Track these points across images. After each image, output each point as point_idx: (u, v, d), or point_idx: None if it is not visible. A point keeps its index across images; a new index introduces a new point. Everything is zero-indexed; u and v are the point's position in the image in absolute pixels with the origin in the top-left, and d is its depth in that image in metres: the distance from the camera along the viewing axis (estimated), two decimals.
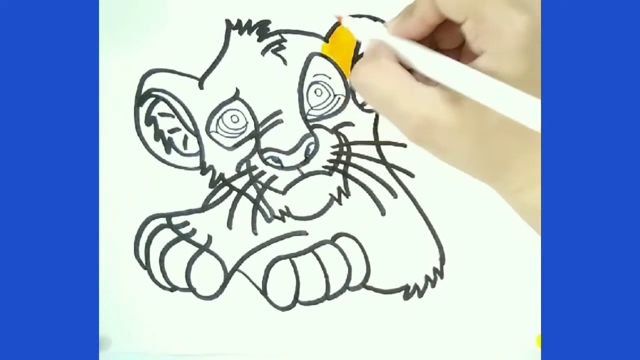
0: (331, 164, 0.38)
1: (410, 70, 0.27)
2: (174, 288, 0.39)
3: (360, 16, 0.37)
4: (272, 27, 0.38)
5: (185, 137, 0.38)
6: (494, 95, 0.23)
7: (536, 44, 0.24)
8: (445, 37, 0.28)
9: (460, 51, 0.29)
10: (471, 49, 0.26)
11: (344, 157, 0.38)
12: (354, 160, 0.39)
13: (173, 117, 0.38)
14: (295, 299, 0.40)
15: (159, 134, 0.38)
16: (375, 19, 0.37)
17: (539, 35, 0.24)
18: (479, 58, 0.25)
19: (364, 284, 0.40)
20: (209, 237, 0.39)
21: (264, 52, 0.38)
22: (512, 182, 0.27)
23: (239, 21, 0.38)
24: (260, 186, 0.39)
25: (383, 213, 0.39)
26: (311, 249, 0.39)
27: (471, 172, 0.28)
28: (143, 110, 0.38)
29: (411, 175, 0.39)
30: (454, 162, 0.27)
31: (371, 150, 0.38)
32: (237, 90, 0.38)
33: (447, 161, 0.27)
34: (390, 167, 0.39)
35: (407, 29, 0.28)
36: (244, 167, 0.38)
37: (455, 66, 0.25)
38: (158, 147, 0.38)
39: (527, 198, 0.27)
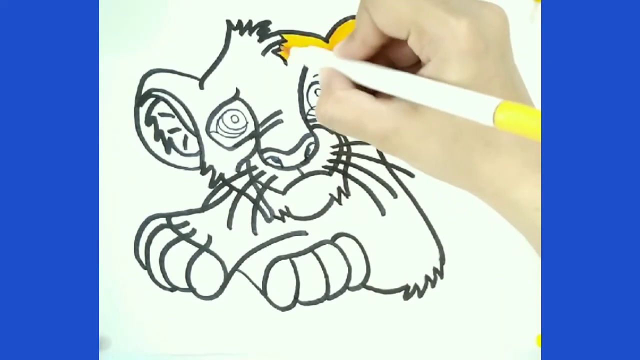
0: (331, 164, 0.38)
1: (371, 90, 0.27)
2: (174, 288, 0.39)
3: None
4: (273, 28, 0.38)
5: (185, 137, 0.38)
6: (441, 98, 0.23)
7: (482, 45, 0.24)
8: (400, 56, 0.29)
9: (418, 67, 0.29)
10: (420, 59, 0.26)
11: (344, 157, 0.38)
12: (354, 160, 0.39)
13: (173, 117, 0.38)
14: (295, 299, 0.40)
15: (159, 134, 0.38)
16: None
17: (487, 37, 0.24)
18: (425, 66, 0.25)
19: (364, 284, 0.40)
20: (209, 237, 0.39)
21: (264, 52, 0.38)
22: (486, 188, 0.27)
23: (240, 21, 0.38)
24: (260, 186, 0.39)
25: (383, 213, 0.39)
26: (311, 249, 0.39)
27: (445, 179, 0.28)
28: (143, 110, 0.38)
29: (411, 175, 0.39)
30: (426, 169, 0.28)
31: (371, 150, 0.38)
32: (238, 91, 0.38)
33: (419, 168, 0.28)
34: (390, 167, 0.39)
35: (352, 52, 0.28)
36: (244, 167, 0.38)
37: (403, 77, 0.26)
38: (158, 147, 0.38)
39: (504, 200, 0.27)
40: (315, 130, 0.38)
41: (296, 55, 0.33)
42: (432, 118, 0.25)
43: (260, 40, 0.38)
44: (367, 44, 0.27)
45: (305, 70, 0.38)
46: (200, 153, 0.38)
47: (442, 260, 0.40)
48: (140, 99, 0.38)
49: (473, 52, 0.24)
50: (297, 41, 0.38)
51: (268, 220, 0.39)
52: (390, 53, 0.29)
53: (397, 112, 0.26)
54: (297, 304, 0.40)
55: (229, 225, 0.39)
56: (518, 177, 0.26)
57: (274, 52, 0.38)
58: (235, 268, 0.39)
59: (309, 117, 0.38)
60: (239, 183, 0.39)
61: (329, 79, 0.28)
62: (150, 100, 0.38)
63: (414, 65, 0.29)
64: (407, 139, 0.26)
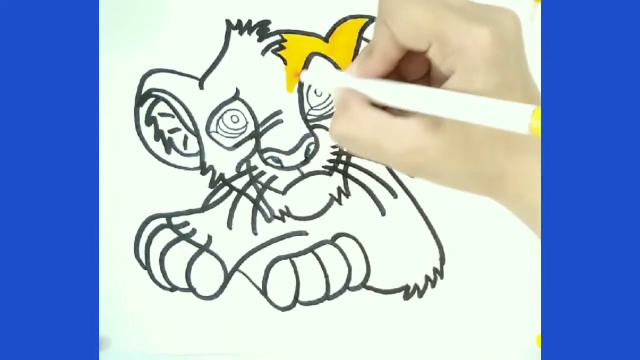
0: (331, 164, 0.38)
1: (385, 107, 0.27)
2: (174, 288, 0.39)
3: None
4: (272, 27, 0.38)
5: (185, 137, 0.38)
6: (473, 110, 0.23)
7: (504, 52, 0.24)
8: (410, 69, 0.28)
9: (428, 78, 0.28)
10: (441, 72, 0.25)
11: (344, 157, 0.38)
12: (354, 160, 0.39)
13: (173, 117, 0.38)
14: (295, 299, 0.40)
15: (159, 134, 0.38)
16: (374, 18, 0.37)
17: (508, 43, 0.24)
18: (451, 78, 0.25)
19: (364, 284, 0.40)
20: (209, 237, 0.39)
21: (264, 52, 0.38)
22: (509, 190, 0.27)
23: (239, 21, 0.38)
24: (260, 186, 0.39)
25: (383, 213, 0.39)
26: (311, 249, 0.39)
27: (468, 189, 0.28)
28: (143, 110, 0.38)
29: (411, 175, 0.39)
30: (450, 183, 0.27)
31: None
32: (237, 90, 0.38)
33: (442, 184, 0.27)
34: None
35: (371, 69, 0.27)
36: (244, 167, 0.38)
37: (429, 92, 0.25)
38: (158, 147, 0.38)
39: (526, 203, 0.27)
40: (315, 131, 0.38)
41: (307, 78, 0.32)
42: (456, 132, 0.25)
43: (259, 40, 0.38)
44: (387, 58, 0.27)
45: (305, 70, 0.38)
46: (200, 153, 0.38)
47: (442, 260, 0.40)
48: (140, 99, 0.38)
49: (497, 59, 0.24)
50: (296, 41, 0.38)
51: (268, 220, 0.39)
52: (400, 67, 0.28)
53: (418, 129, 0.25)
54: (297, 304, 0.40)
55: (229, 225, 0.39)
56: (539, 179, 0.26)
57: (274, 51, 0.38)
58: (235, 268, 0.39)
59: (309, 117, 0.38)
60: (239, 183, 0.39)
61: (345, 97, 0.27)
62: (150, 100, 0.38)
63: (423, 78, 0.28)
64: (431, 156, 0.25)
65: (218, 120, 0.38)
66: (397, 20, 0.25)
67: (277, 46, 0.38)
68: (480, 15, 0.25)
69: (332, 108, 0.38)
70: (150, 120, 0.38)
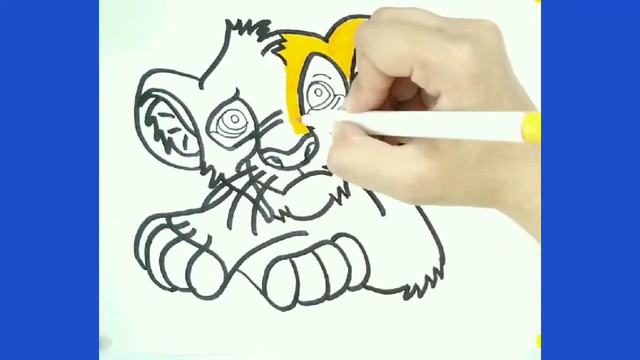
0: None
1: (382, 138, 0.27)
2: (174, 288, 0.39)
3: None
4: (272, 27, 0.38)
5: (185, 137, 0.38)
6: (465, 127, 0.23)
7: (487, 65, 0.24)
8: (401, 91, 0.28)
9: (420, 97, 0.28)
10: (429, 94, 0.25)
11: None
12: None
13: (173, 117, 0.38)
14: (295, 299, 0.40)
15: (159, 134, 0.38)
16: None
17: (489, 56, 0.24)
18: (439, 100, 0.25)
19: (364, 284, 0.40)
20: (209, 237, 0.39)
21: (264, 52, 0.38)
22: (510, 200, 0.27)
23: (239, 21, 0.38)
24: (260, 186, 0.39)
25: (383, 213, 0.39)
26: (311, 249, 0.39)
27: (470, 204, 0.28)
28: (143, 110, 0.38)
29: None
30: (452, 203, 0.27)
31: None
32: (237, 90, 0.38)
33: (446, 205, 0.27)
34: None
35: (364, 102, 0.27)
36: (244, 167, 0.38)
37: (421, 116, 0.25)
38: (158, 147, 0.38)
39: (523, 209, 0.27)
40: (316, 131, 0.38)
41: (308, 121, 0.32)
42: (453, 154, 0.25)
43: (259, 40, 0.38)
44: (375, 89, 0.27)
45: (305, 70, 0.38)
46: (200, 153, 0.38)
47: (442, 260, 0.40)
48: (140, 99, 0.38)
49: (481, 74, 0.24)
50: (296, 41, 0.38)
51: (268, 220, 0.39)
52: (392, 90, 0.28)
53: (417, 155, 0.25)
54: (297, 304, 0.40)
55: (229, 225, 0.39)
56: (536, 185, 0.26)
57: (274, 51, 0.38)
58: (235, 268, 0.39)
59: None
60: (239, 183, 0.39)
61: (342, 128, 0.27)
62: (150, 100, 0.38)
63: (416, 97, 0.28)
64: (431, 181, 0.25)
65: (218, 120, 0.38)
66: (374, 51, 0.25)
67: (277, 46, 0.38)
68: (458, 31, 0.25)
69: (332, 108, 0.38)
70: (150, 120, 0.38)
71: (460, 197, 0.27)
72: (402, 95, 0.28)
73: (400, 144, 0.27)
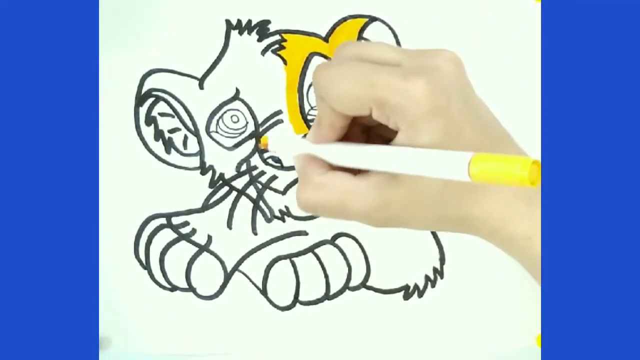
0: None
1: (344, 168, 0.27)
2: (174, 288, 0.39)
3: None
4: (272, 27, 0.38)
5: (185, 137, 0.38)
6: (418, 164, 0.23)
7: (444, 98, 0.24)
8: (367, 120, 0.28)
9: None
10: (391, 128, 0.25)
11: None
12: None
13: (173, 117, 0.38)
14: (295, 299, 0.40)
15: (159, 134, 0.38)
16: (374, 18, 0.37)
17: (447, 88, 0.24)
18: (397, 136, 0.25)
19: (364, 284, 0.40)
20: (209, 237, 0.39)
21: (264, 52, 0.38)
22: (481, 230, 0.27)
23: (239, 21, 0.38)
24: (260, 186, 0.39)
25: None
26: (311, 249, 0.39)
27: (440, 229, 0.28)
28: (143, 110, 0.38)
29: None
30: (422, 228, 0.28)
31: None
32: (237, 90, 0.38)
33: (415, 229, 0.28)
34: None
35: (324, 137, 0.28)
36: (244, 167, 0.38)
37: (378, 151, 0.25)
38: (158, 147, 0.38)
39: (504, 235, 0.27)
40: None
41: (272, 144, 0.32)
42: (414, 184, 0.25)
43: (259, 40, 0.38)
44: (335, 127, 0.27)
45: (305, 70, 0.38)
46: (200, 153, 0.38)
47: (442, 260, 0.40)
48: (140, 99, 0.38)
49: (437, 109, 0.24)
50: (296, 41, 0.38)
51: (268, 220, 0.39)
52: (359, 119, 0.28)
53: (378, 186, 0.26)
54: (297, 304, 0.40)
55: (229, 225, 0.39)
56: (509, 213, 0.26)
57: (274, 51, 0.38)
58: (235, 268, 0.39)
59: (309, 117, 0.38)
60: (239, 183, 0.39)
61: (304, 166, 0.28)
62: (150, 100, 0.38)
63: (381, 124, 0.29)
64: (394, 209, 0.26)
65: (218, 120, 0.38)
66: (332, 95, 0.25)
67: (277, 46, 0.38)
68: (414, 66, 0.25)
69: None
70: (150, 120, 0.38)
71: (427, 224, 0.27)
72: (370, 121, 0.28)
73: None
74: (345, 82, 0.25)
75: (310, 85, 0.38)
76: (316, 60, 0.38)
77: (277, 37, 0.38)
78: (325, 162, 0.28)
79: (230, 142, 0.38)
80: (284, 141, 0.31)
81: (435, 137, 0.24)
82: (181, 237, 0.39)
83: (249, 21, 0.37)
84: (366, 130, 0.29)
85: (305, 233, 0.39)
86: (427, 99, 0.24)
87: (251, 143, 0.38)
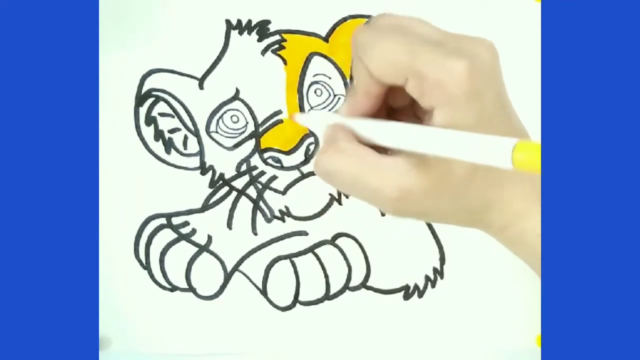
0: None
1: (374, 147, 0.26)
2: (174, 288, 0.39)
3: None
4: (272, 27, 0.38)
5: (185, 137, 0.38)
6: (456, 147, 0.22)
7: (482, 85, 0.24)
8: (395, 98, 0.28)
9: (414, 106, 0.28)
10: (422, 106, 0.25)
11: None
12: None
13: (173, 117, 0.38)
14: (295, 299, 0.40)
15: (159, 134, 0.38)
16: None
17: (485, 76, 0.24)
18: (433, 114, 0.24)
19: (364, 284, 0.40)
20: (209, 237, 0.39)
21: (264, 52, 0.38)
22: (496, 222, 0.27)
23: (239, 21, 0.38)
24: (260, 186, 0.39)
25: (383, 213, 0.39)
26: (311, 249, 0.39)
27: (454, 223, 0.27)
28: (143, 110, 0.38)
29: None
30: (436, 220, 0.27)
31: None
32: (237, 90, 0.38)
33: (428, 221, 0.27)
34: None
35: (358, 107, 0.27)
36: (244, 167, 0.38)
37: (412, 130, 0.24)
38: (158, 147, 0.38)
39: (511, 234, 0.27)
40: (313, 130, 0.38)
41: (300, 120, 0.32)
42: (440, 169, 0.24)
43: (259, 40, 0.38)
44: (370, 95, 0.26)
45: (305, 70, 0.38)
46: (200, 153, 0.38)
47: (442, 260, 0.40)
48: (140, 99, 0.38)
49: (475, 92, 0.23)
50: (296, 41, 0.38)
51: (268, 221, 0.39)
52: (386, 97, 0.27)
53: (403, 167, 0.25)
54: (297, 304, 0.40)
55: (229, 225, 0.39)
56: (524, 207, 0.26)
57: (274, 51, 0.38)
58: (235, 268, 0.39)
59: None
60: (239, 183, 0.39)
61: (334, 132, 0.27)
62: (150, 100, 0.38)
63: (409, 105, 0.28)
64: (416, 195, 0.25)
65: (218, 120, 0.38)
66: (371, 57, 0.25)
67: (277, 46, 0.38)
68: (456, 48, 0.24)
69: (332, 108, 0.38)
70: (150, 120, 0.38)
71: (443, 215, 0.26)
72: (396, 102, 0.28)
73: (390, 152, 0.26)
74: (387, 45, 0.24)
75: (310, 86, 0.38)
76: (316, 60, 0.38)
77: (277, 37, 0.38)
78: (355, 137, 0.27)
79: (230, 142, 0.38)
80: (315, 114, 0.30)
81: (470, 120, 0.24)
82: (181, 237, 0.39)
83: (249, 21, 0.37)
84: (389, 114, 0.28)
85: (305, 233, 0.39)
86: (468, 81, 0.23)
87: (251, 143, 0.38)
